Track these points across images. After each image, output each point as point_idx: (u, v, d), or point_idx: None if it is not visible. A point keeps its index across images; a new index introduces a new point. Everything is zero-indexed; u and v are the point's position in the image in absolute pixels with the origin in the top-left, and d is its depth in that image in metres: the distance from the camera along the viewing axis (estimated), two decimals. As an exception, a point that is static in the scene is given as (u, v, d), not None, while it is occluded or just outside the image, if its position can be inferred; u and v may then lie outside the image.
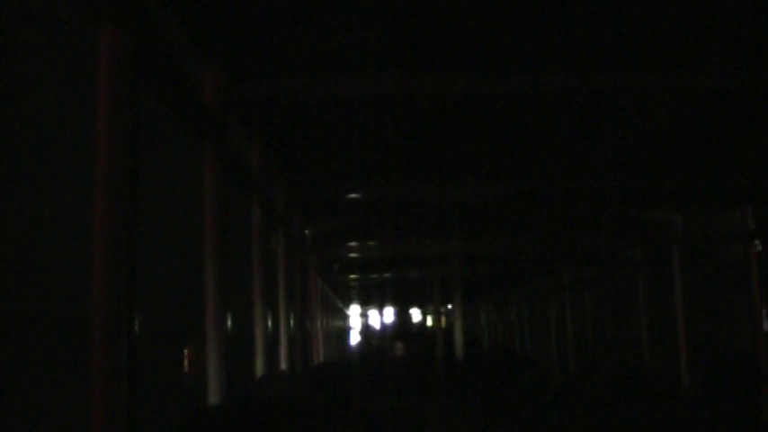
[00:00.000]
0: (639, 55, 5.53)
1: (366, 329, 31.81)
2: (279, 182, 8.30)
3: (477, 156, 8.35)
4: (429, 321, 30.57)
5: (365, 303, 30.81)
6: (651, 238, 13.43)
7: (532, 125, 7.27)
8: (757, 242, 10.55)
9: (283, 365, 7.83)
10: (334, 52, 5.41)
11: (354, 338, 31.63)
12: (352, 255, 14.74)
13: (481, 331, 36.03)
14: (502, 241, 14.30)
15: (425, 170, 8.96)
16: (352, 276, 19.73)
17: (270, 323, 6.79)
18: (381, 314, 31.56)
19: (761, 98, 6.39)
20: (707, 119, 7.15)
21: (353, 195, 9.79)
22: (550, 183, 9.34)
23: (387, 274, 19.54)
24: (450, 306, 19.62)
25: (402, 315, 31.44)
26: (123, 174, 3.01)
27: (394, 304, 30.21)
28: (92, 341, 2.83)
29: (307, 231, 11.00)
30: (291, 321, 8.49)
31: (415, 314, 32.00)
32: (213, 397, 4.45)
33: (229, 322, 4.61)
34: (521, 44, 5.34)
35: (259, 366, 6.41)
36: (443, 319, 22.73)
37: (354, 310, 32.12)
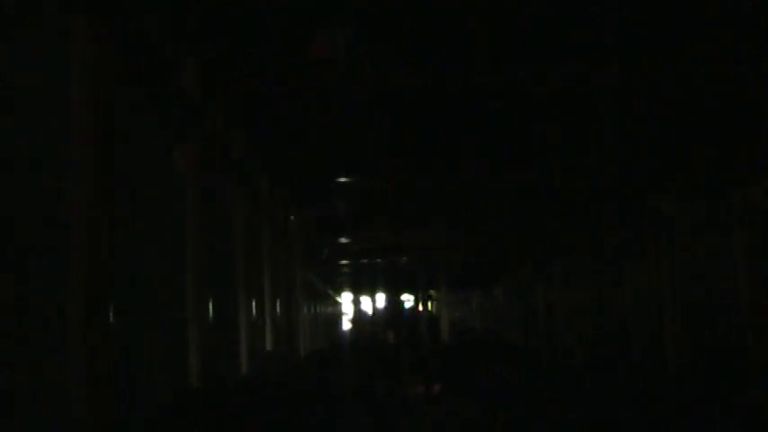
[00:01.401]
0: (636, 50, 5.60)
1: (357, 316, 31.87)
2: (264, 170, 8.34)
3: (471, 147, 8.36)
4: (420, 307, 30.75)
5: (356, 291, 30.85)
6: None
7: (527, 117, 7.30)
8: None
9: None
10: (323, 45, 5.42)
11: (345, 325, 31.68)
12: (341, 241, 14.77)
13: (472, 317, 36.72)
14: (491, 231, 14.33)
15: (417, 161, 8.97)
16: (343, 263, 19.76)
17: (254, 309, 6.87)
18: (373, 301, 31.62)
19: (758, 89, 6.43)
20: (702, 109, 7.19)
21: (341, 180, 9.79)
22: (543, 175, 9.39)
23: (378, 260, 19.56)
24: (435, 292, 19.68)
25: (392, 302, 31.51)
26: (100, 167, 3.05)
27: (384, 291, 30.27)
28: (68, 329, 2.91)
29: (292, 217, 11.03)
30: (277, 308, 8.56)
31: (407, 300, 32.10)
32: (195, 380, 4.54)
33: (210, 308, 4.69)
34: (521, 39, 5.37)
35: (243, 351, 6.49)
36: (430, 305, 22.83)
37: (346, 297, 32.15)
